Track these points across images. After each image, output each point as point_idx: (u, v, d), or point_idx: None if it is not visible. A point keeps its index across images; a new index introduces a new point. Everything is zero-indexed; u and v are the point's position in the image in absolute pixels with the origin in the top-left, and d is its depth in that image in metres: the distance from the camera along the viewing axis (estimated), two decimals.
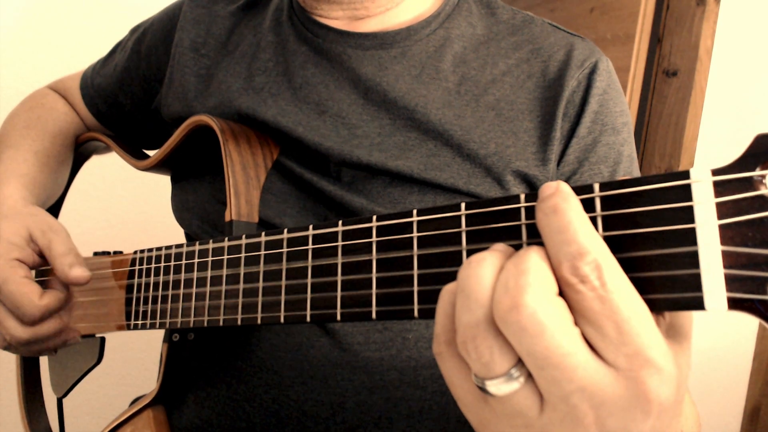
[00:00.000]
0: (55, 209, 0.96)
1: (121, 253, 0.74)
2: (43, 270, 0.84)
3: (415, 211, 0.38)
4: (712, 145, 1.68)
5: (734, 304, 0.27)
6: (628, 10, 1.65)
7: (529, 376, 0.31)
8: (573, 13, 1.82)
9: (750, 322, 1.69)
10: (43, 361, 0.91)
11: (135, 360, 1.58)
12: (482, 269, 0.31)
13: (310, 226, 0.45)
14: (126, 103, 0.91)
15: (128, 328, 0.70)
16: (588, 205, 0.31)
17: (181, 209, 0.77)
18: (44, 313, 0.68)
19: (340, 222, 0.43)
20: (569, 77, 0.69)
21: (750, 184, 0.27)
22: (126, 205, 1.56)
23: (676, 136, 1.67)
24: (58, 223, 0.73)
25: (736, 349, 1.71)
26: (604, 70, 0.71)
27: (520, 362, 0.30)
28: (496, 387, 0.30)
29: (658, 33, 1.73)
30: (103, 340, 0.81)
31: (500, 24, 0.75)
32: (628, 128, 0.72)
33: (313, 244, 0.45)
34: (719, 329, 1.70)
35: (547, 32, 0.74)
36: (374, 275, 0.40)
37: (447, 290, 0.33)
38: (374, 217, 0.41)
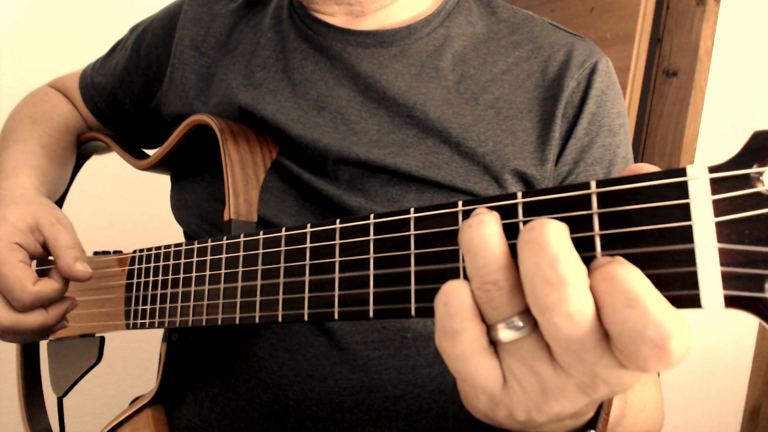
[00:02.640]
0: None
1: (120, 252, 0.74)
2: (46, 268, 0.84)
3: (412, 209, 0.38)
4: (712, 145, 1.67)
5: (731, 302, 0.27)
6: (628, 10, 1.65)
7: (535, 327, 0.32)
8: (573, 13, 1.82)
9: (750, 322, 1.68)
10: (43, 361, 0.92)
11: (135, 360, 1.58)
12: (485, 229, 0.32)
13: (308, 225, 0.45)
14: (125, 102, 0.91)
15: (128, 327, 0.70)
16: (584, 203, 0.31)
17: (179, 208, 0.77)
18: (35, 300, 0.66)
19: (338, 220, 0.43)
20: (569, 78, 0.69)
21: (747, 181, 0.27)
22: (126, 205, 1.56)
23: (676, 136, 1.67)
24: (66, 217, 0.73)
25: (736, 349, 1.70)
26: (603, 70, 0.71)
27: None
28: (507, 331, 0.32)
29: (658, 33, 1.72)
30: (102, 339, 0.81)
31: (500, 23, 0.75)
32: (624, 130, 0.72)
33: (311, 242, 0.45)
34: (719, 329, 1.69)
35: (547, 31, 0.74)
36: (371, 273, 0.40)
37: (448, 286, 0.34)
38: (371, 216, 0.41)
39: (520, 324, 0.32)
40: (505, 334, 0.32)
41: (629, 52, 1.63)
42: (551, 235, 0.29)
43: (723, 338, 1.70)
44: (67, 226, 0.71)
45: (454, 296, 0.33)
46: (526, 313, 0.32)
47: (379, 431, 0.65)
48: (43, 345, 0.90)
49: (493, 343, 0.33)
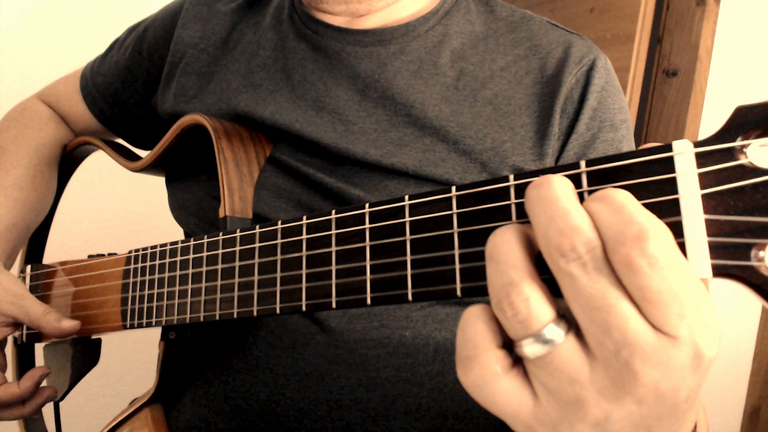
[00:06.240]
0: (45, 220, 0.95)
1: (116, 254, 0.74)
2: (41, 273, 0.84)
3: (407, 196, 0.39)
4: None
5: (718, 271, 0.27)
6: (628, 10, 1.65)
7: (570, 331, 0.30)
8: (573, 13, 1.82)
9: (750, 322, 1.68)
10: (39, 364, 0.91)
11: (133, 360, 1.58)
12: (507, 235, 0.31)
13: (304, 217, 0.45)
14: (129, 102, 0.91)
15: (125, 327, 0.69)
16: (575, 181, 0.31)
17: (178, 209, 0.77)
18: None
19: (333, 210, 0.43)
20: (567, 74, 0.69)
21: (731, 154, 0.27)
22: (125, 205, 1.56)
23: (676, 136, 1.67)
24: (21, 285, 0.75)
25: (736, 349, 1.70)
26: (602, 67, 0.71)
27: (559, 317, 0.30)
28: (533, 346, 0.30)
29: (658, 33, 1.73)
30: (99, 341, 0.80)
31: (499, 21, 0.76)
32: (626, 125, 0.72)
33: (307, 233, 0.45)
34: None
35: (545, 29, 0.74)
36: (368, 262, 0.40)
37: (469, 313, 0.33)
38: (367, 205, 0.41)
39: (548, 336, 0.30)
40: (532, 349, 0.30)
41: (629, 52, 1.63)
42: (559, 190, 0.29)
43: (723, 338, 1.68)
44: (26, 296, 0.74)
45: (470, 321, 0.32)
46: (559, 319, 0.30)
47: (378, 430, 0.65)
48: (39, 348, 0.90)
49: (518, 361, 0.32)
